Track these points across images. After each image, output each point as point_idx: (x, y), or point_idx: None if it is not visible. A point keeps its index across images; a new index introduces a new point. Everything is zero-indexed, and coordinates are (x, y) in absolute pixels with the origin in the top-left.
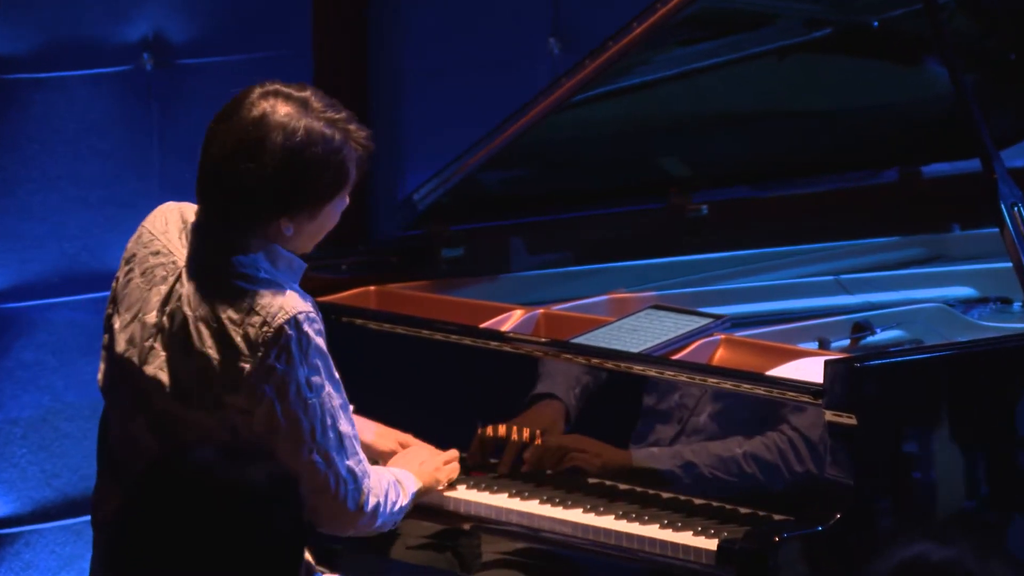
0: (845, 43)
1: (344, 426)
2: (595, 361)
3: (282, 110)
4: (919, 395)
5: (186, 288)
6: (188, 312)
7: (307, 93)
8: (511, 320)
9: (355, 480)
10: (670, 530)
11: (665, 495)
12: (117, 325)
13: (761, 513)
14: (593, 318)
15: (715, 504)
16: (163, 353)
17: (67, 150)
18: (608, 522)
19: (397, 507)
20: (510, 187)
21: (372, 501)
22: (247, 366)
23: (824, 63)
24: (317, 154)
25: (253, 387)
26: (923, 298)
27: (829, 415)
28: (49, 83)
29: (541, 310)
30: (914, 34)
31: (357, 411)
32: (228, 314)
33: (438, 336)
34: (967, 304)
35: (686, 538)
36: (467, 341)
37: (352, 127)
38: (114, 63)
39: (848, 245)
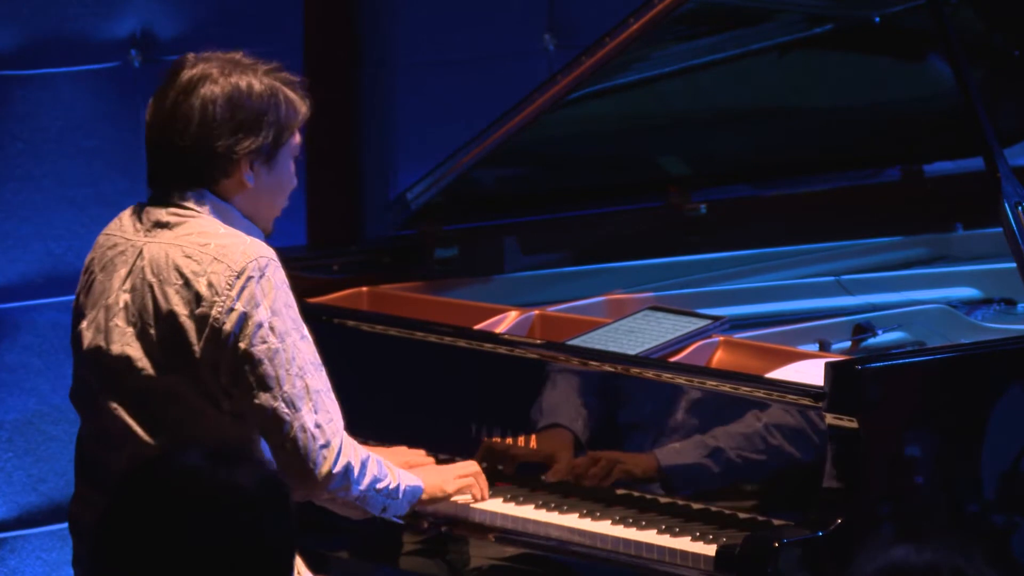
0: (847, 39)
1: (313, 381)
2: (592, 364)
3: (216, 63)
4: (921, 398)
5: (147, 259)
6: (152, 279)
7: (238, 55)
8: (506, 322)
9: (324, 436)
10: (668, 535)
11: (663, 499)
12: (84, 324)
13: (760, 518)
14: (590, 320)
15: (713, 509)
16: (129, 329)
17: (53, 148)
18: (604, 527)
19: (380, 485)
20: (505, 186)
21: (342, 462)
22: (211, 312)
23: (825, 59)
24: (260, 91)
25: (218, 333)
26: (925, 299)
27: (830, 418)
28: (34, 80)
29: (536, 311)
30: (917, 30)
31: (350, 416)
32: (191, 268)
33: (431, 338)
34: (970, 305)
35: (684, 543)
36: (461, 343)
37: (285, 74)
38: (101, 59)
39: (849, 245)
